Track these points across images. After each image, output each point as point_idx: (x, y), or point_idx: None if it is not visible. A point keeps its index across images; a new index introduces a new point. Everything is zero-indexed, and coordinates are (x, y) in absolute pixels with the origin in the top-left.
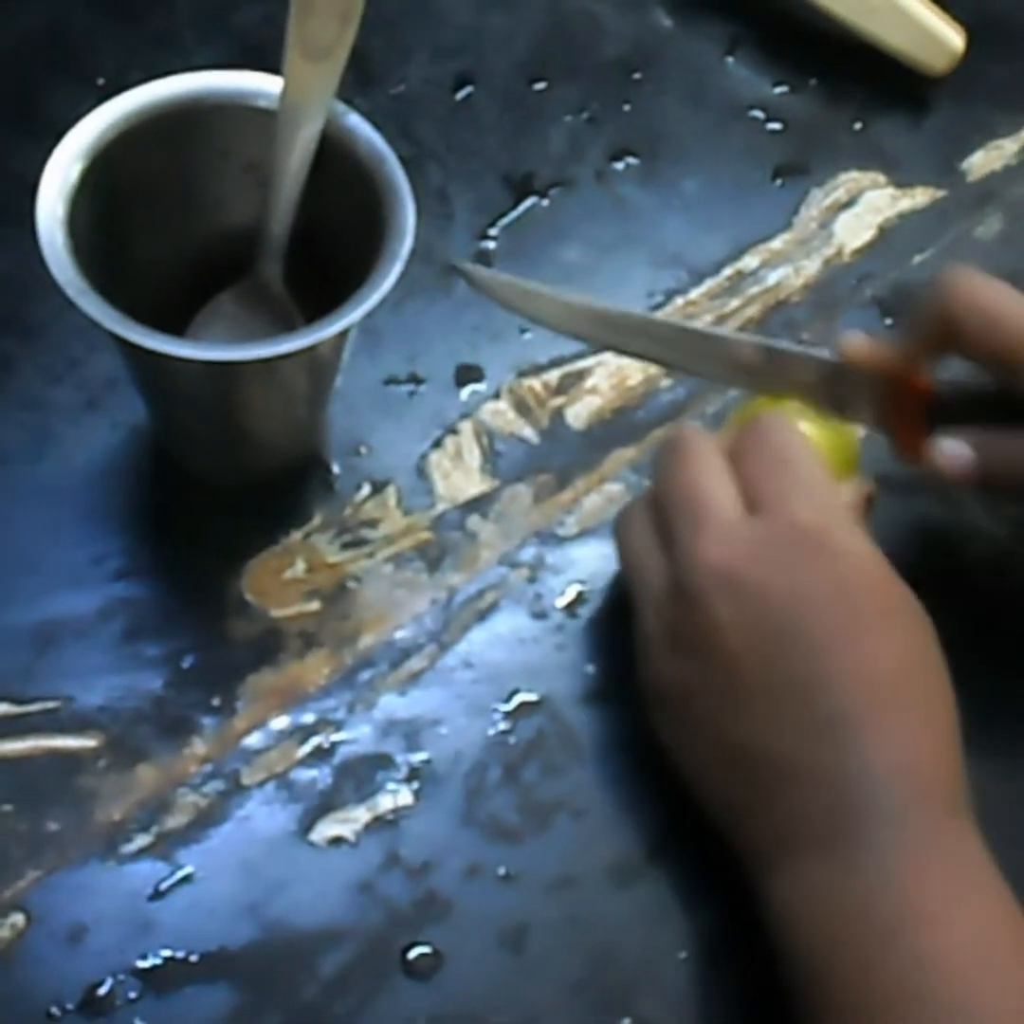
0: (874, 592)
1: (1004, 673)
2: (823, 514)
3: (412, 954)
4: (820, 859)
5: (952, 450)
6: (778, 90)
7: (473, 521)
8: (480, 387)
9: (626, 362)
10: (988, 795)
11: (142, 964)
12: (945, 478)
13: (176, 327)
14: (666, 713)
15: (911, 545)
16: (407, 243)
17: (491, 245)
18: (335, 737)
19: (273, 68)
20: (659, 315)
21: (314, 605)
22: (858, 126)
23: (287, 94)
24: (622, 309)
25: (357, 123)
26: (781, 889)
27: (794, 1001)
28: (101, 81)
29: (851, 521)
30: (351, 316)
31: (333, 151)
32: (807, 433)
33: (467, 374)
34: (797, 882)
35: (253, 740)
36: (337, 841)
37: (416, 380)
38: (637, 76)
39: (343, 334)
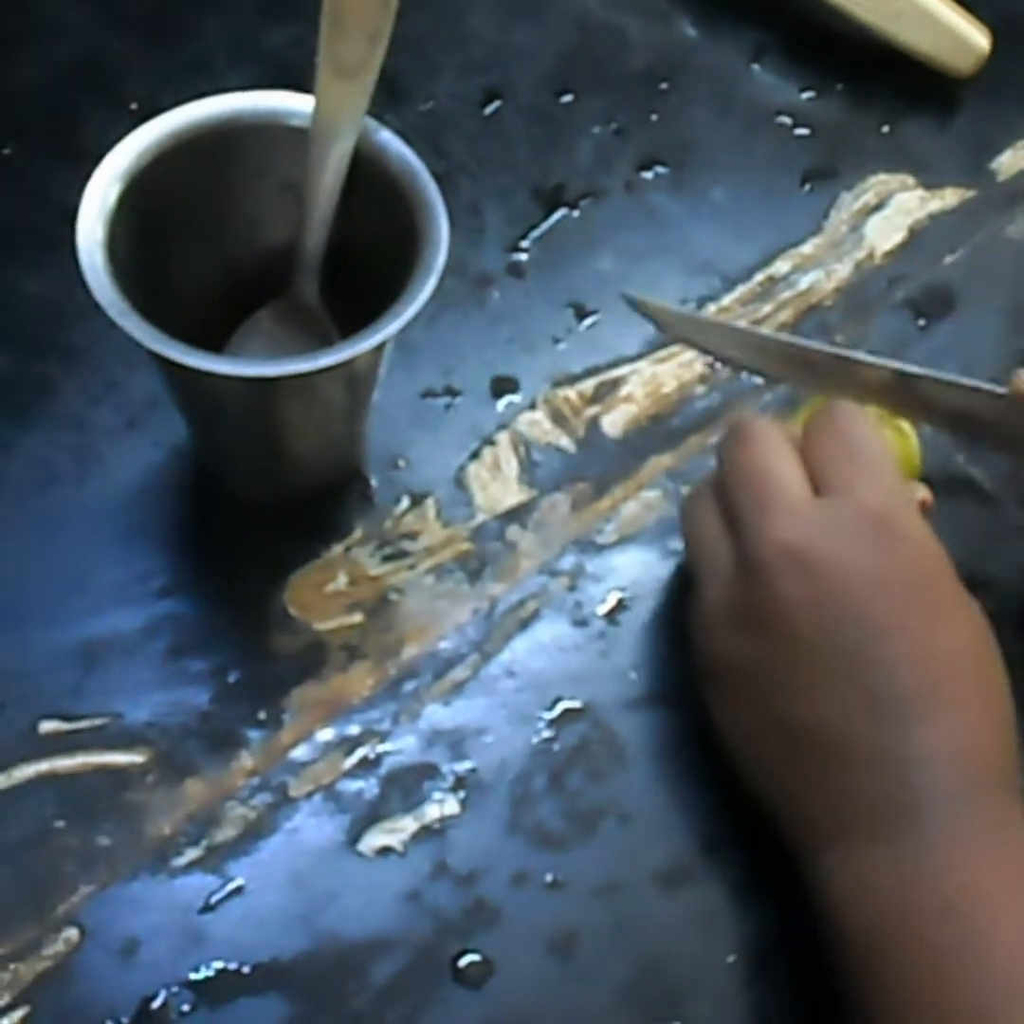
0: (937, 577)
1: None
2: (891, 500)
3: (462, 962)
4: (876, 840)
5: None
6: (805, 95)
7: (512, 531)
8: (516, 398)
9: (660, 369)
10: None
11: (195, 976)
12: None
13: (214, 346)
14: (723, 691)
15: (952, 548)
16: (442, 256)
17: (523, 257)
18: (381, 748)
19: (304, 89)
20: (826, 346)
21: (357, 617)
22: (886, 129)
23: (319, 112)
24: (791, 340)
25: (389, 139)
26: (835, 870)
27: (845, 983)
28: (134, 106)
29: (915, 509)
30: (388, 329)
31: (366, 168)
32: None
33: (503, 385)
34: (852, 863)
35: (299, 752)
36: (385, 851)
37: (452, 393)
38: (664, 86)
39: (380, 348)
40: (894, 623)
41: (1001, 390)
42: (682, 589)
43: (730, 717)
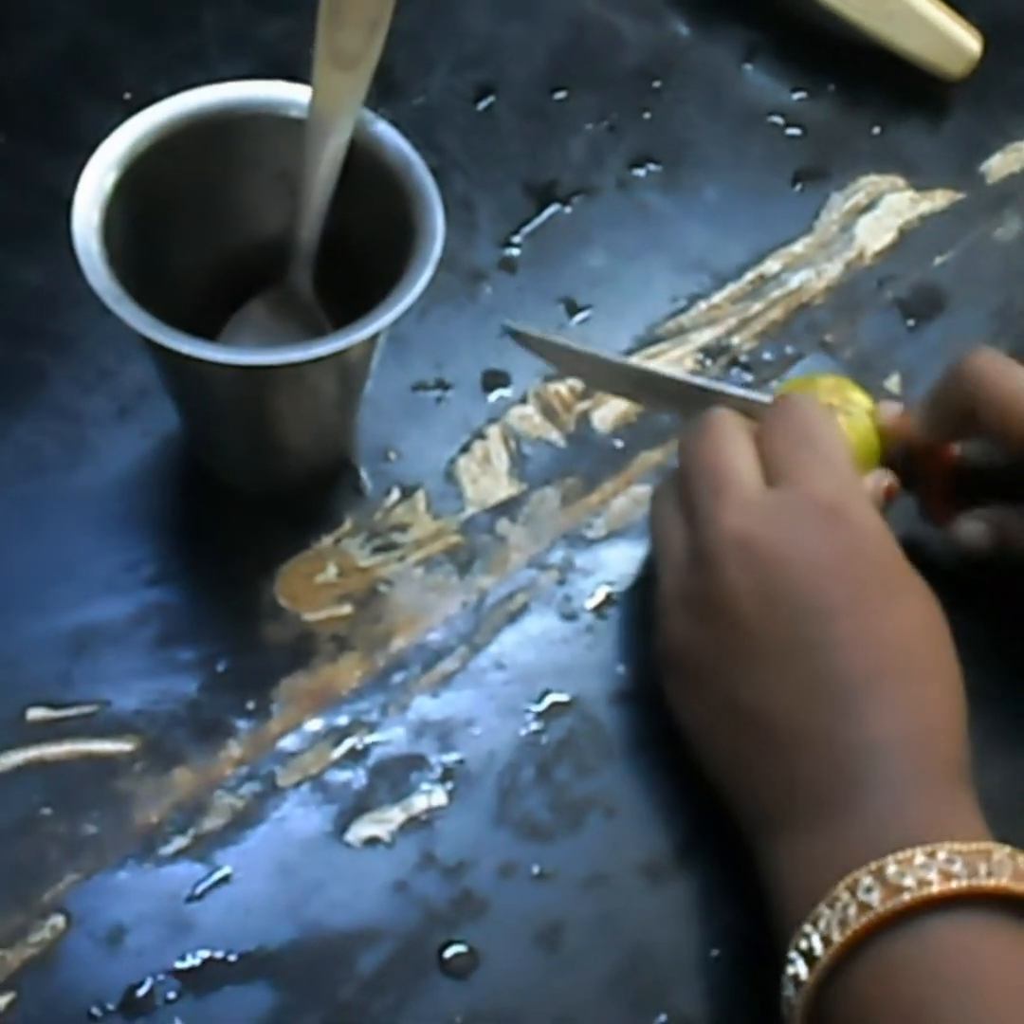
0: (886, 565)
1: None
2: (841, 489)
3: (448, 953)
4: (821, 827)
5: (972, 531)
6: (796, 96)
7: (502, 524)
8: (507, 392)
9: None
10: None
11: (181, 964)
12: (964, 552)
13: (207, 335)
14: (678, 677)
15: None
16: (437, 247)
17: (515, 252)
18: (369, 739)
19: (297, 80)
20: (707, 380)
21: (346, 609)
22: (877, 130)
23: (316, 103)
24: (668, 372)
25: (385, 131)
26: (783, 857)
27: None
28: (127, 96)
29: (867, 499)
30: (382, 320)
31: (362, 159)
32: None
33: (494, 380)
34: (795, 847)
35: (288, 742)
36: (372, 841)
37: (443, 386)
38: (656, 84)
39: (373, 339)
40: (839, 609)
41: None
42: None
43: (685, 703)
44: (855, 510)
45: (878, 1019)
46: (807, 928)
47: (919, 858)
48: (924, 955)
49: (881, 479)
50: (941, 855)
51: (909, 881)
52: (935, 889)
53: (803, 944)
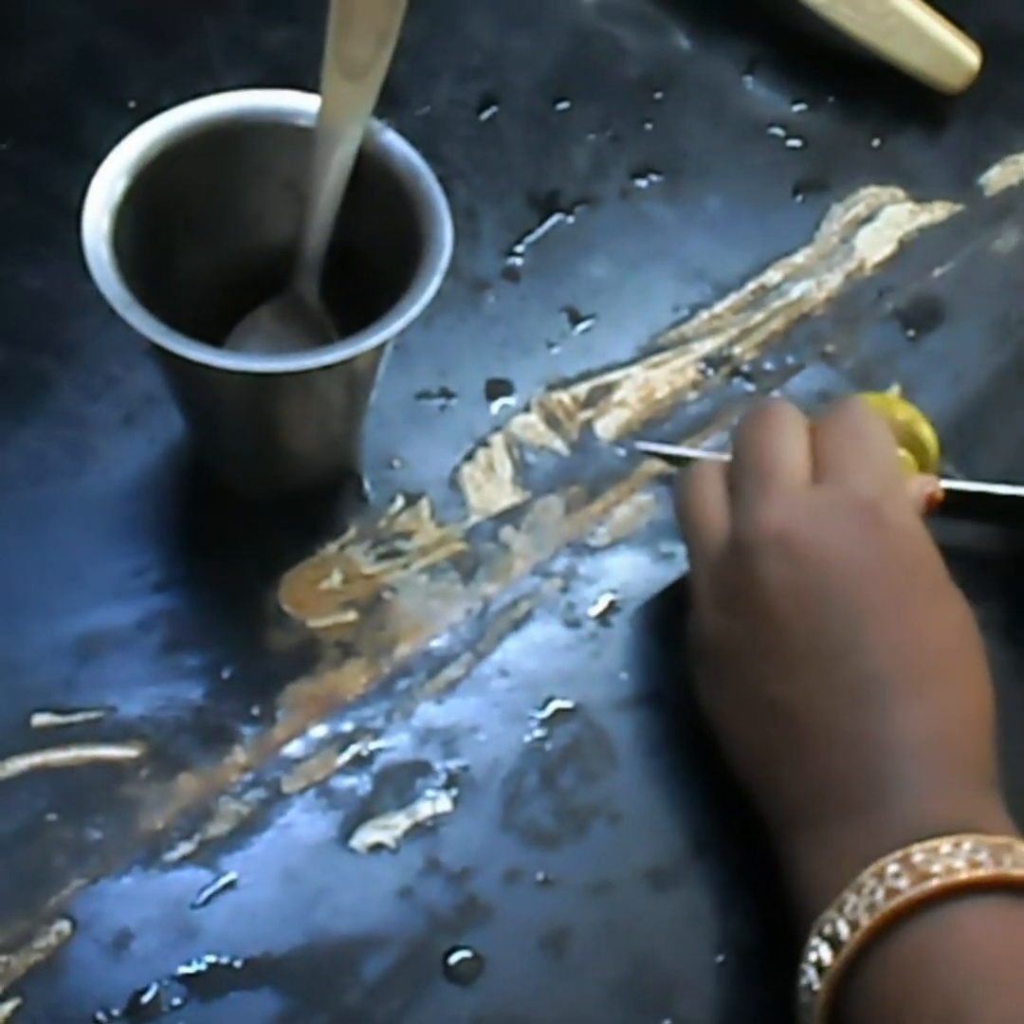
0: (923, 568)
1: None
2: (882, 489)
3: (454, 959)
4: (845, 824)
5: None
6: (797, 108)
7: (506, 532)
8: (510, 401)
9: (653, 375)
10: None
11: (187, 970)
12: None
13: (213, 342)
14: (708, 667)
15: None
16: (445, 256)
17: (518, 261)
18: (374, 745)
19: (301, 90)
20: None
21: (351, 615)
22: (876, 142)
23: (325, 113)
24: None
25: (393, 140)
26: (807, 852)
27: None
28: (133, 104)
29: (908, 501)
30: (390, 328)
31: (370, 168)
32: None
33: (497, 388)
34: (819, 841)
35: (293, 749)
36: (377, 847)
37: (447, 394)
38: (658, 96)
39: (380, 348)
40: (873, 611)
41: None
42: (673, 591)
43: (714, 694)
44: (894, 512)
45: (905, 1005)
46: (832, 914)
47: (946, 847)
48: (952, 940)
49: (924, 485)
50: (966, 845)
51: (937, 868)
52: (963, 876)
53: (827, 929)
